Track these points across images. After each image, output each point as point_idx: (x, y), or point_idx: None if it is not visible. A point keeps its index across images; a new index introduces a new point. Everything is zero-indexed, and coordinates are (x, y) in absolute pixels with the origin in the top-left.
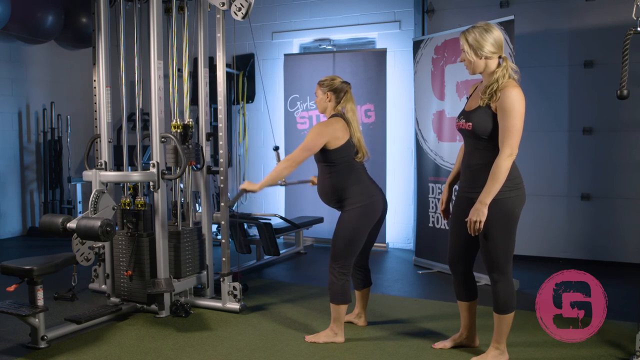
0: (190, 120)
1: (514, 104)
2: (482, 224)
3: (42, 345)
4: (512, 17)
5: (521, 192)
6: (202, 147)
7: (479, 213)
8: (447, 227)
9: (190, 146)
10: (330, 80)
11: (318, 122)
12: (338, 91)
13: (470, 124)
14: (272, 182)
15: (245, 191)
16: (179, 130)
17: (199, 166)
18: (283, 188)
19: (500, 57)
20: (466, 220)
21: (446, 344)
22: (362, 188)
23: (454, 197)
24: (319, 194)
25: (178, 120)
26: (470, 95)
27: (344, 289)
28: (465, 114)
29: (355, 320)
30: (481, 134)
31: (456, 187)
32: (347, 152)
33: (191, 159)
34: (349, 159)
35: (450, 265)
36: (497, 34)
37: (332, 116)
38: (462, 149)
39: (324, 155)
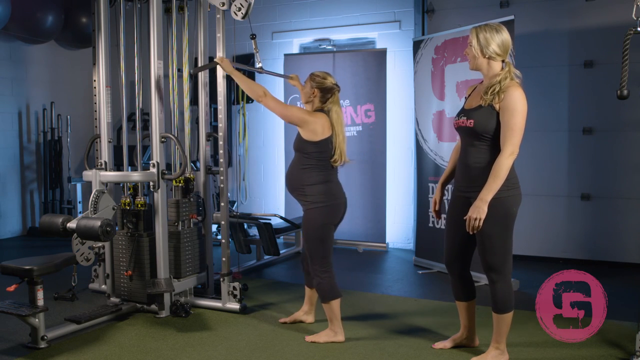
0: (192, 174)
1: (517, 103)
2: (482, 221)
3: (42, 345)
4: (512, 17)
5: (518, 192)
6: (204, 200)
7: (479, 210)
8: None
9: (192, 199)
10: (322, 78)
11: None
12: (325, 91)
13: (472, 121)
14: (241, 83)
15: (217, 64)
16: (180, 185)
17: (199, 218)
18: (284, 188)
19: (503, 61)
20: (465, 218)
21: (446, 344)
22: (328, 188)
23: (447, 197)
24: (286, 179)
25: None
26: (469, 96)
27: (331, 285)
28: (465, 112)
29: (304, 317)
30: (482, 132)
31: (450, 186)
32: (324, 149)
33: (192, 212)
34: (325, 156)
35: (447, 265)
36: (507, 37)
37: (318, 111)
38: (455, 149)
39: (303, 145)
